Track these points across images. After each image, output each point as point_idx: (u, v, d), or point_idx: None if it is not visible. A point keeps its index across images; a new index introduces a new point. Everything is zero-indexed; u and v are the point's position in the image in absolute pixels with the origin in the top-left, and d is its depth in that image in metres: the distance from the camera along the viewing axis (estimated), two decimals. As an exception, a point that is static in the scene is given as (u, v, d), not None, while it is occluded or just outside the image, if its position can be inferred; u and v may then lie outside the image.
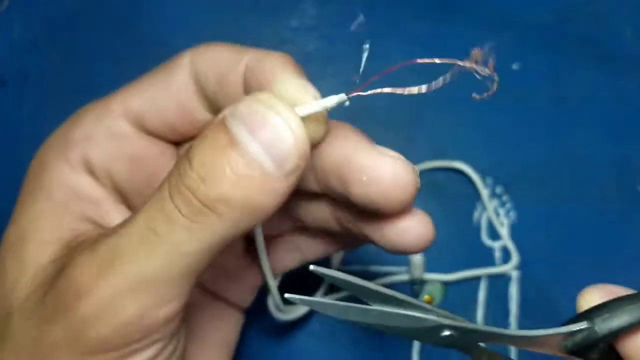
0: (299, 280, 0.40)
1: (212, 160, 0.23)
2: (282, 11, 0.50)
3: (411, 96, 0.49)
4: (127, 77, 0.32)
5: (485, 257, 0.45)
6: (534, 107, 0.48)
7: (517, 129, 0.48)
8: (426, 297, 0.45)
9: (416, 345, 0.44)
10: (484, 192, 0.46)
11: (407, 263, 0.45)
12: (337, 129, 0.27)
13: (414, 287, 0.44)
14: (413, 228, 0.28)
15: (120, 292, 0.23)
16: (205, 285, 0.34)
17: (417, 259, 0.44)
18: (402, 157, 0.27)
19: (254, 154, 0.23)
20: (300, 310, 0.42)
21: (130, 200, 0.31)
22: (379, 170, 0.26)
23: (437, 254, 0.45)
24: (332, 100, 0.25)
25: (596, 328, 0.25)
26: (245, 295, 0.37)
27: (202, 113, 0.30)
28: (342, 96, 0.25)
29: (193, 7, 0.51)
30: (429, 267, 0.45)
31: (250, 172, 0.23)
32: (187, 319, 0.28)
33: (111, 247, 0.24)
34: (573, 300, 0.44)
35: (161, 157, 0.31)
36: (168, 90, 0.29)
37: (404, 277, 0.45)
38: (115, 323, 0.24)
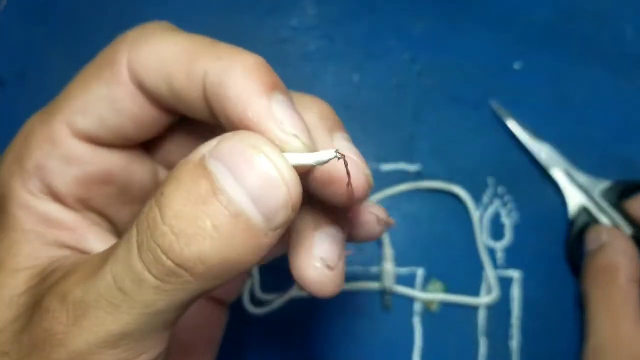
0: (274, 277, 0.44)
1: (189, 212, 0.20)
2: (282, 10, 0.50)
3: (412, 96, 0.49)
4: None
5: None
6: (535, 106, 0.47)
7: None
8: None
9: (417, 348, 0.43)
10: (476, 215, 0.46)
11: (378, 274, 0.45)
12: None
13: (385, 296, 0.44)
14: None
15: (93, 347, 0.22)
16: None
17: (389, 268, 0.44)
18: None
19: (240, 205, 0.20)
20: (275, 304, 0.44)
21: (109, 216, 0.29)
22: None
23: (438, 254, 0.45)
24: (325, 155, 0.22)
25: None
26: (232, 291, 0.35)
27: (162, 117, 0.27)
28: (331, 152, 0.22)
29: (192, 6, 0.51)
30: (430, 267, 0.45)
31: (235, 226, 0.20)
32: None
33: (79, 301, 0.22)
34: (576, 299, 0.44)
35: (128, 164, 0.28)
36: (113, 108, 0.26)
37: (374, 286, 0.45)
38: None
